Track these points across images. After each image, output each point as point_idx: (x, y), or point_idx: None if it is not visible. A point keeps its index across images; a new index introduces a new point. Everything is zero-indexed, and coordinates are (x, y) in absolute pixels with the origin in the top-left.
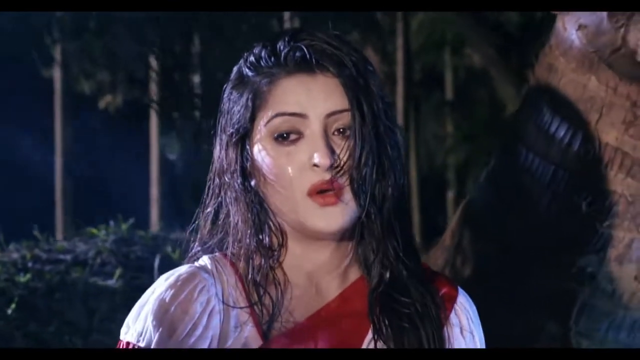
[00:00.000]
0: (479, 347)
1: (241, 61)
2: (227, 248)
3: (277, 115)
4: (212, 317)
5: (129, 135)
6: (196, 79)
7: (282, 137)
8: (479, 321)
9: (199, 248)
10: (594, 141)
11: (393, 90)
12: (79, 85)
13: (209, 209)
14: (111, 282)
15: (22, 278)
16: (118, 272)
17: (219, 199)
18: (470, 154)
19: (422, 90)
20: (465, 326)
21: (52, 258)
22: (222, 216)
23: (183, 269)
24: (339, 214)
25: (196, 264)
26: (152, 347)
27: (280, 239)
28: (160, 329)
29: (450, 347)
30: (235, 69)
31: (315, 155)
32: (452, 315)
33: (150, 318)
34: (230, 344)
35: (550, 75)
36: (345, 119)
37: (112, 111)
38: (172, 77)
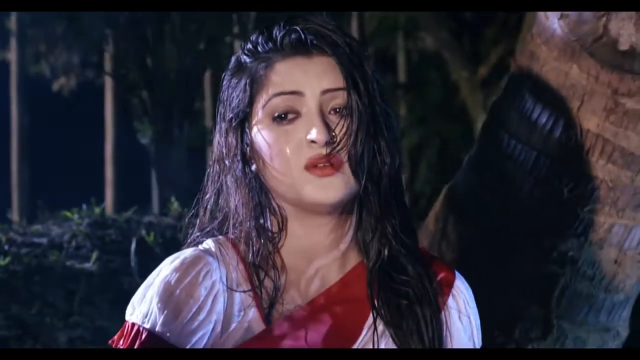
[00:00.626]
0: (475, 330)
1: (239, 50)
2: (227, 232)
3: (275, 95)
4: (216, 301)
5: (83, 117)
6: (168, 63)
7: (281, 118)
8: (475, 305)
9: (198, 233)
10: (576, 128)
11: None
12: (35, 68)
13: (208, 195)
14: (88, 265)
15: (2, 261)
16: (94, 255)
17: (219, 184)
18: (422, 136)
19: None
20: (462, 310)
21: (27, 241)
22: (222, 201)
23: (188, 252)
24: (337, 185)
25: (200, 247)
26: (156, 329)
27: (281, 223)
28: (165, 312)
29: (447, 330)
30: (233, 58)
31: (312, 131)
32: (450, 300)
33: (155, 300)
34: (233, 327)
35: (532, 63)
36: (340, 97)
37: (66, 93)
38: (143, 61)
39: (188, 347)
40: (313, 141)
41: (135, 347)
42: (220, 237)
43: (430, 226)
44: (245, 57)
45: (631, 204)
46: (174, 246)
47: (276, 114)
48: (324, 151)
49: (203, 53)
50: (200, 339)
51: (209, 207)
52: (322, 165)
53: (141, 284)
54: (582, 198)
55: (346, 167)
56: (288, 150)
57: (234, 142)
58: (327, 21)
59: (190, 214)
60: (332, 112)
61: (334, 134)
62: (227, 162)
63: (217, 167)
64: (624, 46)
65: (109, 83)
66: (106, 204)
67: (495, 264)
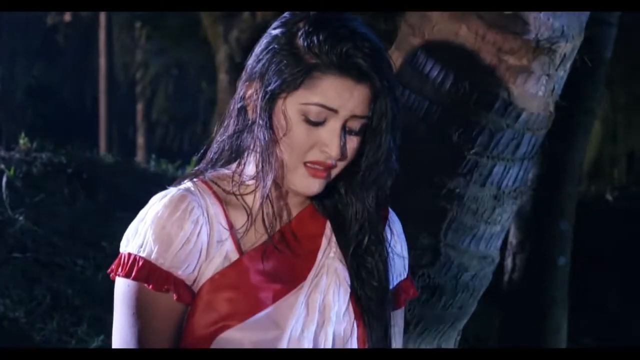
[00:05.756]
0: (405, 253)
1: (296, 28)
2: (203, 175)
3: (317, 104)
4: (201, 233)
5: None
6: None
7: (310, 120)
8: (403, 232)
9: (205, 165)
10: (464, 81)
11: None
12: None
13: (230, 131)
14: None
15: None
16: None
17: (237, 126)
18: (161, 66)
19: None
20: (396, 237)
21: None
22: (237, 142)
23: (174, 191)
24: (321, 184)
25: (182, 187)
26: (152, 256)
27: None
28: (159, 242)
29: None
30: (284, 29)
31: (330, 145)
32: (387, 228)
33: (149, 232)
34: (214, 255)
35: (424, 23)
36: (360, 122)
37: None
38: None
39: (180, 272)
40: (325, 151)
41: (133, 273)
42: (195, 179)
43: None
44: (306, 48)
45: (509, 147)
46: (31, 180)
47: (310, 118)
48: (329, 161)
49: None
50: (189, 266)
51: (226, 143)
52: (318, 167)
53: (13, 216)
54: (468, 142)
55: (334, 171)
56: (302, 143)
57: (267, 108)
58: (380, 48)
59: (204, 148)
60: (349, 128)
61: (345, 154)
62: (254, 116)
63: (238, 107)
64: (508, 10)
65: None
66: None
67: (391, 199)
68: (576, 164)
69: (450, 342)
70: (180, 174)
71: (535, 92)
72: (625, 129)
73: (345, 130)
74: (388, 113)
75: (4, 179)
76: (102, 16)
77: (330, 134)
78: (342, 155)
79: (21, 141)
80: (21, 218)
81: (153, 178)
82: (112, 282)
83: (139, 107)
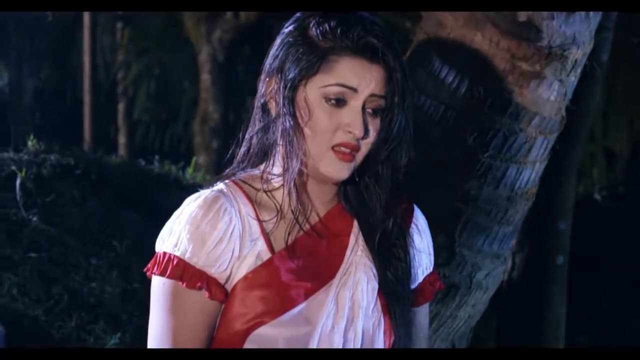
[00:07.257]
0: (430, 248)
1: (308, 21)
2: (233, 175)
3: (337, 84)
4: (234, 232)
5: None
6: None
7: (331, 101)
8: (427, 227)
9: (235, 166)
10: (478, 86)
11: None
12: None
13: (256, 128)
14: None
15: None
16: None
17: (263, 123)
18: (143, 67)
19: None
20: (421, 233)
21: None
22: (266, 137)
23: (207, 193)
24: (349, 168)
25: (215, 188)
26: (186, 255)
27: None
28: (193, 241)
29: (413, 250)
30: (296, 24)
31: (353, 124)
32: (412, 225)
33: (184, 232)
34: (246, 254)
35: (440, 30)
36: (378, 102)
37: None
38: None
39: (213, 271)
40: (350, 131)
41: (168, 271)
42: (227, 181)
43: None
44: (319, 35)
45: (522, 150)
46: (41, 181)
47: (331, 98)
48: (353, 141)
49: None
50: (222, 264)
51: (253, 140)
52: (345, 150)
53: (27, 216)
54: (483, 145)
55: (359, 155)
56: (327, 127)
57: (286, 95)
58: (388, 32)
59: (232, 149)
60: (369, 109)
61: (367, 133)
62: (277, 108)
63: (261, 104)
64: (522, 18)
65: None
66: None
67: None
68: (574, 164)
69: (464, 339)
70: (181, 174)
71: (547, 97)
72: (604, 128)
73: (365, 111)
74: (399, 89)
75: (18, 180)
76: (86, 16)
77: (352, 113)
78: (366, 133)
79: (30, 143)
80: (35, 219)
81: (157, 179)
82: (126, 282)
83: (121, 106)
